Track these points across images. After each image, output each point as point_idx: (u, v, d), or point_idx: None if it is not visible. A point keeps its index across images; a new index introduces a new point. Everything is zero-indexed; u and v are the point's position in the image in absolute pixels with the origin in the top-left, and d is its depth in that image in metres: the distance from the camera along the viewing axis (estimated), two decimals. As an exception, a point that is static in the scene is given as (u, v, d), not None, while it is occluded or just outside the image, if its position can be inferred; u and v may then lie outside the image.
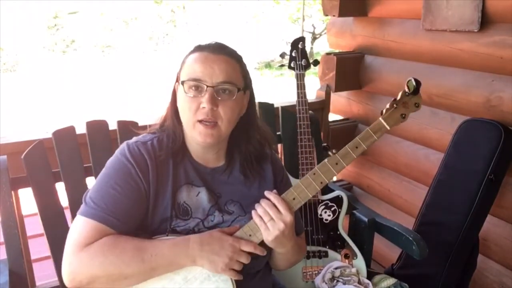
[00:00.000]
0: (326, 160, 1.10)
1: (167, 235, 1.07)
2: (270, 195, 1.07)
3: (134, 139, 1.14)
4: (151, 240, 1.05)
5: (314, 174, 1.08)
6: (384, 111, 1.11)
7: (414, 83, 1.09)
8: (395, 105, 1.11)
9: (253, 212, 1.07)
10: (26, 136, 1.69)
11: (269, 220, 1.04)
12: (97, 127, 1.52)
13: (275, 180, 1.23)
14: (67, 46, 13.59)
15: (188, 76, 1.07)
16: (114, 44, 13.77)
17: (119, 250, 1.00)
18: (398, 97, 1.12)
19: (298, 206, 1.09)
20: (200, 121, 1.06)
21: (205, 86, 1.05)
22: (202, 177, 1.15)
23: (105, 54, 13.53)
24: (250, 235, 1.07)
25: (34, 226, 1.63)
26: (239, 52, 1.15)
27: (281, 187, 1.18)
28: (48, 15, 13.19)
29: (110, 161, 1.11)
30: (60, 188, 1.46)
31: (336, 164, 1.09)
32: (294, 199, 1.08)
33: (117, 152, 1.12)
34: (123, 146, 1.12)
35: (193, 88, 1.06)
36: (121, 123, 1.54)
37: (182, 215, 1.11)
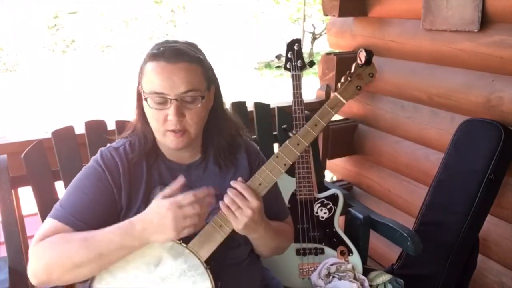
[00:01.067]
0: (287, 141, 1.10)
1: None
2: (236, 184, 1.08)
3: (108, 145, 1.17)
4: (101, 229, 1.04)
5: (277, 157, 1.09)
6: (339, 85, 1.12)
7: (365, 53, 1.10)
8: (349, 78, 1.12)
9: (220, 203, 1.07)
10: (26, 136, 1.70)
11: (237, 209, 1.05)
12: (95, 127, 1.53)
13: (251, 167, 1.24)
14: (67, 46, 13.59)
15: (149, 89, 1.06)
16: (114, 44, 13.77)
17: (66, 240, 1.03)
18: (352, 70, 1.12)
19: (265, 191, 1.09)
20: (169, 130, 1.08)
21: (169, 99, 1.05)
22: (176, 176, 1.13)
23: (105, 54, 13.53)
24: (220, 226, 1.08)
25: (34, 226, 1.63)
26: (197, 46, 1.14)
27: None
28: (48, 15, 13.19)
29: (84, 168, 1.15)
30: (60, 187, 1.47)
31: (298, 144, 1.09)
32: (260, 184, 1.09)
33: (92, 158, 1.15)
34: (97, 154, 1.15)
35: (157, 100, 1.06)
36: (119, 123, 1.54)
37: None
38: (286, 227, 1.33)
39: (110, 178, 1.10)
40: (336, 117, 2.70)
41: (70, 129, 1.51)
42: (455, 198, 1.82)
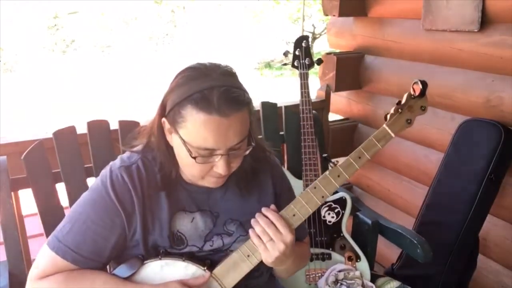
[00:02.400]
0: (327, 172, 1.03)
1: (160, 258, 1.03)
2: (268, 212, 1.00)
3: (118, 161, 1.06)
4: (102, 283, 1.01)
5: (315, 188, 1.02)
6: (388, 116, 1.04)
7: (421, 85, 1.03)
8: (400, 110, 1.04)
9: (250, 231, 1.01)
10: (26, 136, 1.69)
11: (269, 241, 0.98)
12: (98, 127, 1.51)
13: (275, 191, 1.15)
14: (67, 46, 13.58)
15: (197, 144, 0.93)
16: (114, 44, 13.76)
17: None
18: (403, 101, 1.05)
19: (298, 223, 1.02)
20: (211, 176, 0.99)
21: (220, 155, 0.94)
22: (196, 199, 1.07)
23: (105, 54, 13.52)
24: (248, 256, 1.02)
25: (34, 226, 1.63)
26: (236, 73, 0.99)
27: (282, 196, 1.13)
28: (48, 15, 13.17)
29: (92, 187, 1.05)
30: (61, 188, 1.46)
31: (338, 176, 1.02)
32: (294, 215, 1.01)
33: (101, 176, 1.05)
34: (106, 172, 1.04)
35: (203, 154, 0.94)
36: (122, 123, 1.53)
37: (177, 245, 1.05)
38: (306, 249, 1.25)
39: (120, 207, 1.00)
40: (336, 117, 2.71)
41: (71, 129, 1.48)
42: (455, 198, 1.82)
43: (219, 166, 0.95)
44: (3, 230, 1.37)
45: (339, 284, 1.50)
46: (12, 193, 1.40)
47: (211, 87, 0.91)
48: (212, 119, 0.90)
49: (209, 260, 1.04)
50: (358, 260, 1.60)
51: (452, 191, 1.84)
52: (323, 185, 1.02)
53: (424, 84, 1.03)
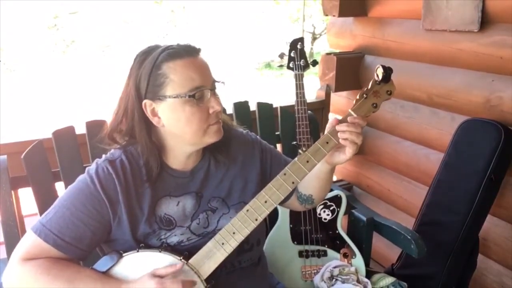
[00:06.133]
0: (296, 158, 1.06)
1: (138, 251, 1.06)
2: (349, 120, 1.05)
3: (104, 157, 1.11)
4: (85, 276, 1.03)
5: (285, 174, 1.05)
6: (354, 101, 1.07)
7: (382, 70, 1.04)
8: (365, 95, 1.06)
9: (342, 139, 1.04)
10: (26, 136, 1.70)
11: (358, 137, 1.04)
12: (96, 127, 1.53)
13: (260, 157, 1.23)
14: (67, 46, 13.58)
15: (188, 87, 1.01)
16: (114, 44, 13.76)
17: (51, 277, 1.01)
18: (369, 87, 1.07)
19: (271, 209, 1.05)
20: (212, 124, 1.06)
21: (209, 91, 1.04)
22: (180, 184, 1.13)
23: (105, 54, 13.52)
24: (223, 243, 1.05)
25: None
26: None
27: (273, 164, 1.22)
28: (48, 15, 13.17)
29: (78, 178, 1.09)
30: (60, 188, 1.46)
31: (307, 162, 1.04)
32: (265, 202, 1.05)
33: (87, 169, 1.09)
34: (93, 165, 1.09)
35: (196, 97, 1.02)
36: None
37: (166, 226, 1.10)
38: None
39: (104, 195, 1.04)
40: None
41: (70, 129, 1.50)
42: (455, 198, 1.82)
43: (212, 102, 1.04)
44: (4, 228, 1.39)
45: (334, 280, 1.52)
46: (12, 191, 1.42)
47: (167, 45, 1.05)
48: (186, 60, 1.02)
49: (187, 252, 1.07)
50: (354, 257, 1.63)
51: (452, 191, 1.84)
52: (292, 171, 1.05)
53: (387, 69, 1.05)
